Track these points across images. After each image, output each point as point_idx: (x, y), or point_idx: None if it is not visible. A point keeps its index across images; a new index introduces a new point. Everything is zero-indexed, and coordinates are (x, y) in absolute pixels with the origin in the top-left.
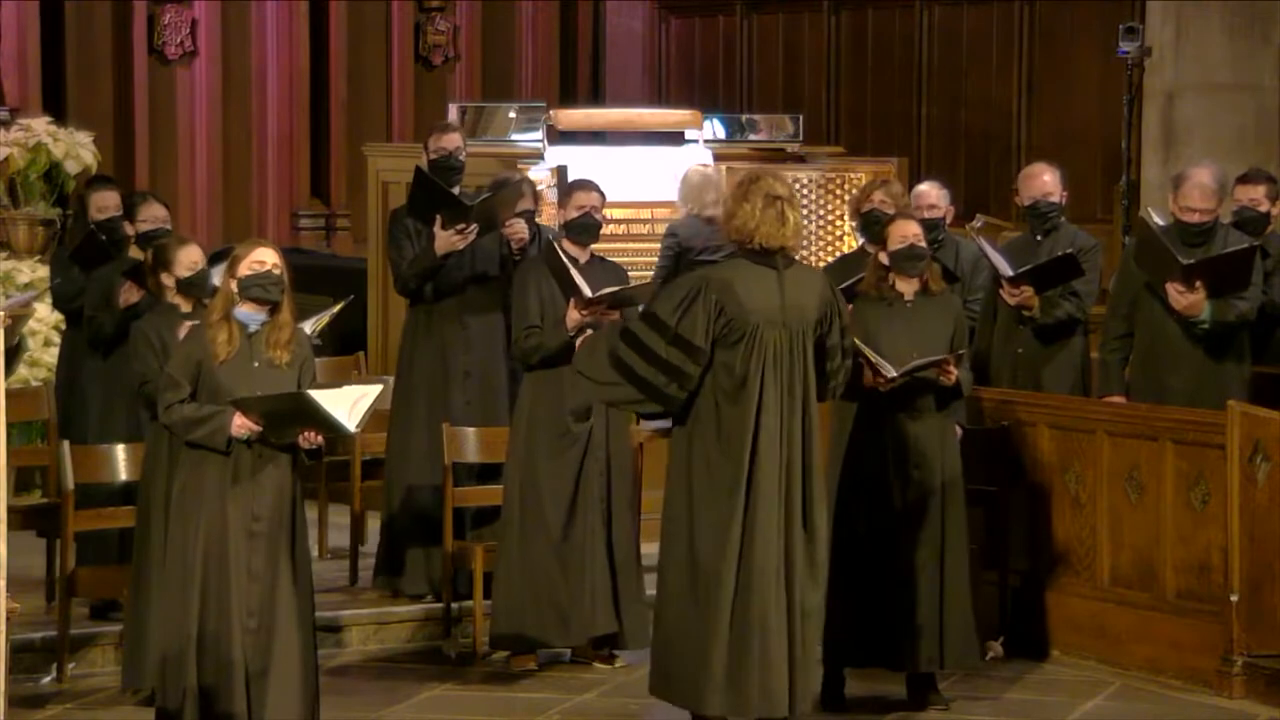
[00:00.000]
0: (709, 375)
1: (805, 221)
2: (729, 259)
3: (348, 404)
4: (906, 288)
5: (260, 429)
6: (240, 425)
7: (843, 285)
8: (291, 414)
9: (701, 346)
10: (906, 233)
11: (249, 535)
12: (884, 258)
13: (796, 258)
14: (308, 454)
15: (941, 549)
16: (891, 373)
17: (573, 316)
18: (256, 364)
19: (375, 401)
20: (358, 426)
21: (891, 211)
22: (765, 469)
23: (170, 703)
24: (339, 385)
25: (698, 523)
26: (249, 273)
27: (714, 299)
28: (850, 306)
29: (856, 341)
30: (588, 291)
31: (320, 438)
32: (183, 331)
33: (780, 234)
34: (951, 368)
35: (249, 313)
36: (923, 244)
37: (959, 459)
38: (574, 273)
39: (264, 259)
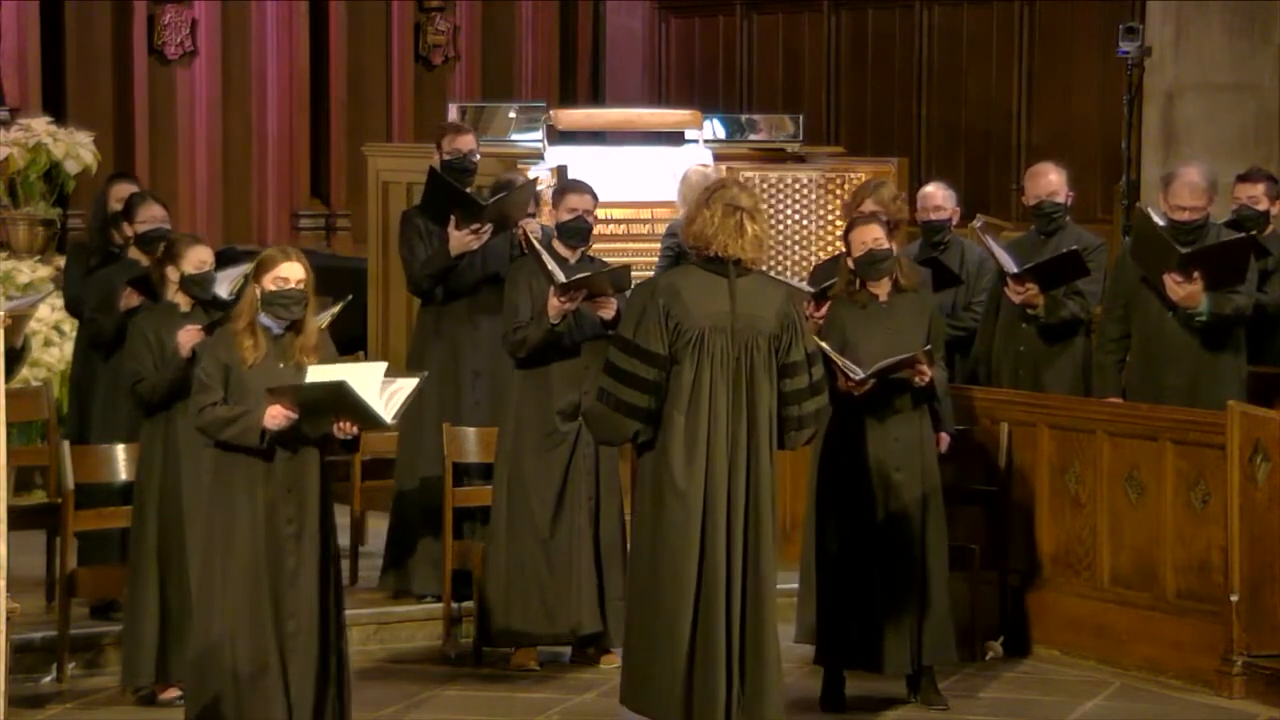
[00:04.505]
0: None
1: (805, 222)
2: (682, 266)
3: (382, 390)
4: (879, 289)
5: (295, 417)
6: (274, 415)
7: (819, 288)
8: (328, 403)
9: (660, 353)
10: (865, 239)
11: (284, 538)
12: (851, 263)
13: (760, 269)
14: (343, 444)
15: (923, 550)
16: (859, 374)
17: (553, 304)
18: (283, 366)
19: (412, 394)
20: (394, 418)
21: (885, 218)
22: (714, 477)
23: (211, 700)
24: (371, 364)
25: (658, 532)
26: (273, 288)
27: (661, 303)
28: (824, 309)
29: (823, 345)
30: (561, 277)
31: (355, 428)
32: (184, 336)
33: (738, 244)
34: (923, 366)
35: (274, 320)
36: (883, 246)
37: (936, 459)
38: (546, 258)
39: (288, 275)
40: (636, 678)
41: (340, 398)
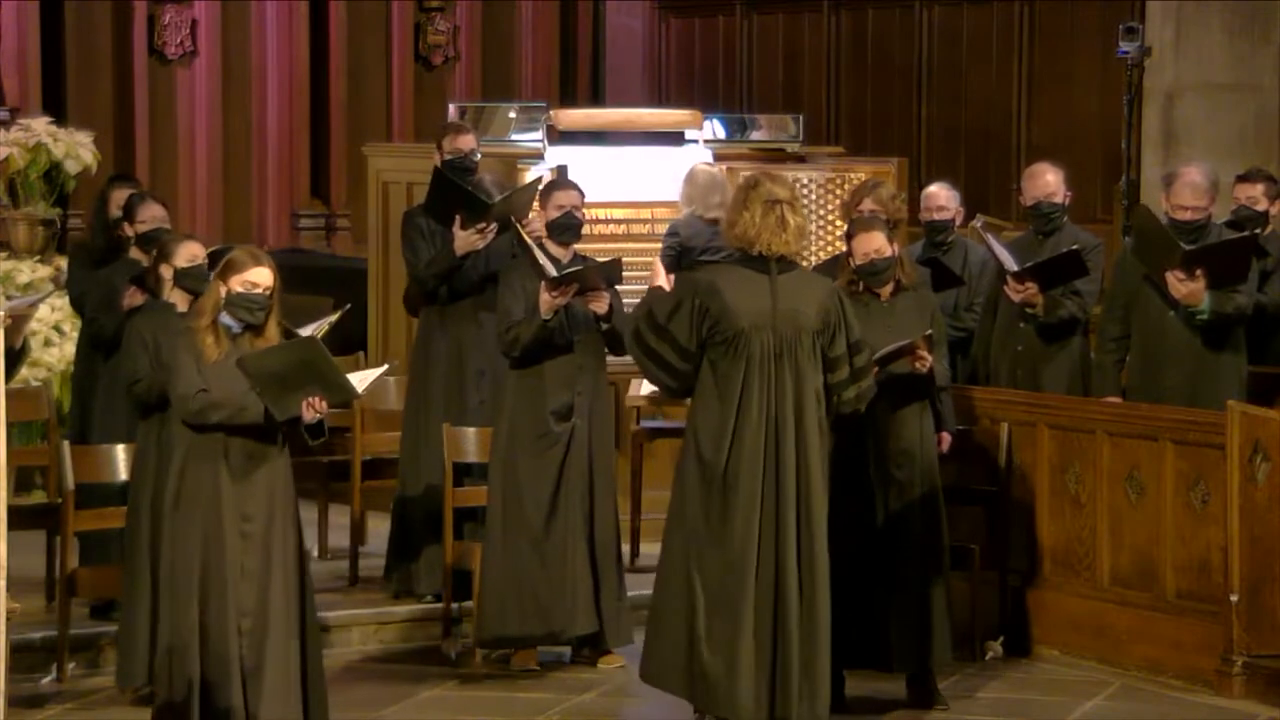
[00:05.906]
0: (703, 372)
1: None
2: (723, 263)
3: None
4: (881, 289)
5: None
6: None
7: None
8: (296, 371)
9: (689, 348)
10: (868, 249)
11: (241, 535)
12: (852, 266)
13: (801, 263)
14: (310, 430)
15: (923, 550)
16: None
17: (545, 300)
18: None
19: (380, 376)
20: (363, 391)
21: (884, 217)
22: (747, 470)
23: (174, 696)
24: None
25: (689, 519)
26: (240, 290)
27: (698, 302)
28: None
29: None
30: (552, 270)
31: (324, 405)
32: None
33: (780, 240)
34: (923, 352)
35: (234, 321)
36: (885, 256)
37: (936, 459)
38: (538, 253)
39: (257, 280)
40: (654, 653)
41: (307, 357)
